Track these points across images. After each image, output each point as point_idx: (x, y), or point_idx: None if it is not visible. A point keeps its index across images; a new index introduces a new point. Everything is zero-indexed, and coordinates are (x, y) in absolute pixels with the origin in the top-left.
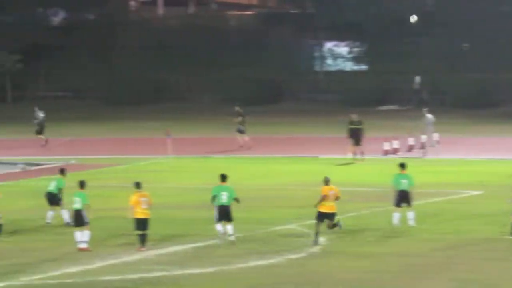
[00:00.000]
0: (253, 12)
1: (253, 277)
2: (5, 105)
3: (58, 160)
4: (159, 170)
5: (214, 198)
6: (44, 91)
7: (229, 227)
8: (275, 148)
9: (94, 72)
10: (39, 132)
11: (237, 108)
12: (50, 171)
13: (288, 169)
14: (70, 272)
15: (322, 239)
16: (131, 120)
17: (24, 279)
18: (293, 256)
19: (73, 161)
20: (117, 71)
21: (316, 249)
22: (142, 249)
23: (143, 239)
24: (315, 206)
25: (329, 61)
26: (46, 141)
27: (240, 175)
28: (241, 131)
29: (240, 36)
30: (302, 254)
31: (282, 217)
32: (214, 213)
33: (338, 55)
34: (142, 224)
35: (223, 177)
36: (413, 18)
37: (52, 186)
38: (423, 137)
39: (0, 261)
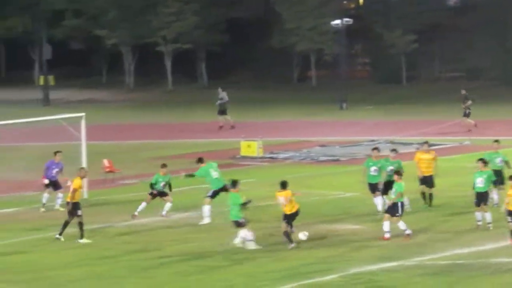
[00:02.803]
0: None
1: None
2: (400, 86)
3: (452, 141)
4: None
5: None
6: (438, 72)
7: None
8: None
9: (488, 52)
10: (222, 113)
11: (463, 92)
12: (444, 151)
13: None
14: (460, 253)
15: None
16: None
17: (416, 259)
18: None
19: (467, 142)
20: None
21: None
22: None
23: None
24: None
25: None
26: (232, 125)
27: None
28: (467, 115)
29: None
30: None
31: None
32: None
33: None
34: None
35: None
36: None
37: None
38: None
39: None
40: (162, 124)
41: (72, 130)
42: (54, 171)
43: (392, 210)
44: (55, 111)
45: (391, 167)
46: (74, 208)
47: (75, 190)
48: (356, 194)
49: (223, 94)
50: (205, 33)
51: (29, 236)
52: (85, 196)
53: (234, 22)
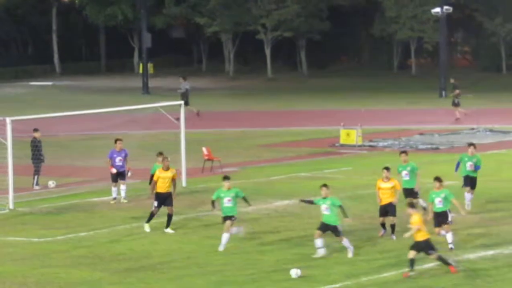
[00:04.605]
0: None
1: None
2: (501, 74)
3: None
4: None
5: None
6: None
7: None
8: None
9: None
10: (186, 103)
11: (452, 81)
12: None
13: None
14: None
15: None
16: None
17: None
18: None
19: None
20: None
21: None
22: None
23: None
24: None
25: None
26: (198, 113)
27: None
28: (456, 104)
29: None
30: None
31: None
32: None
33: None
34: None
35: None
36: None
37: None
38: None
39: None
40: (262, 112)
41: (171, 118)
42: (117, 159)
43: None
44: (154, 99)
45: (470, 163)
46: (155, 198)
47: (154, 182)
48: (455, 182)
49: (184, 84)
50: (306, 21)
51: (126, 225)
52: (184, 184)
53: (335, 10)
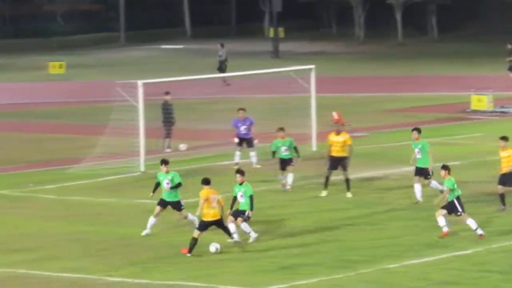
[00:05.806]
0: None
1: None
2: None
3: None
4: None
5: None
6: None
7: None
8: None
9: None
10: (221, 69)
11: (510, 46)
12: None
13: None
14: None
15: None
16: None
17: None
18: None
19: None
20: None
21: None
22: None
23: None
24: None
25: None
26: (228, 83)
27: None
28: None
29: None
30: None
31: None
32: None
33: None
34: None
35: None
36: None
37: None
38: None
39: None
40: (392, 77)
41: (302, 82)
42: (242, 128)
43: (451, 208)
44: (284, 63)
45: None
46: (329, 161)
47: (330, 146)
48: None
49: (222, 51)
50: None
51: (256, 189)
52: (314, 148)
53: None
